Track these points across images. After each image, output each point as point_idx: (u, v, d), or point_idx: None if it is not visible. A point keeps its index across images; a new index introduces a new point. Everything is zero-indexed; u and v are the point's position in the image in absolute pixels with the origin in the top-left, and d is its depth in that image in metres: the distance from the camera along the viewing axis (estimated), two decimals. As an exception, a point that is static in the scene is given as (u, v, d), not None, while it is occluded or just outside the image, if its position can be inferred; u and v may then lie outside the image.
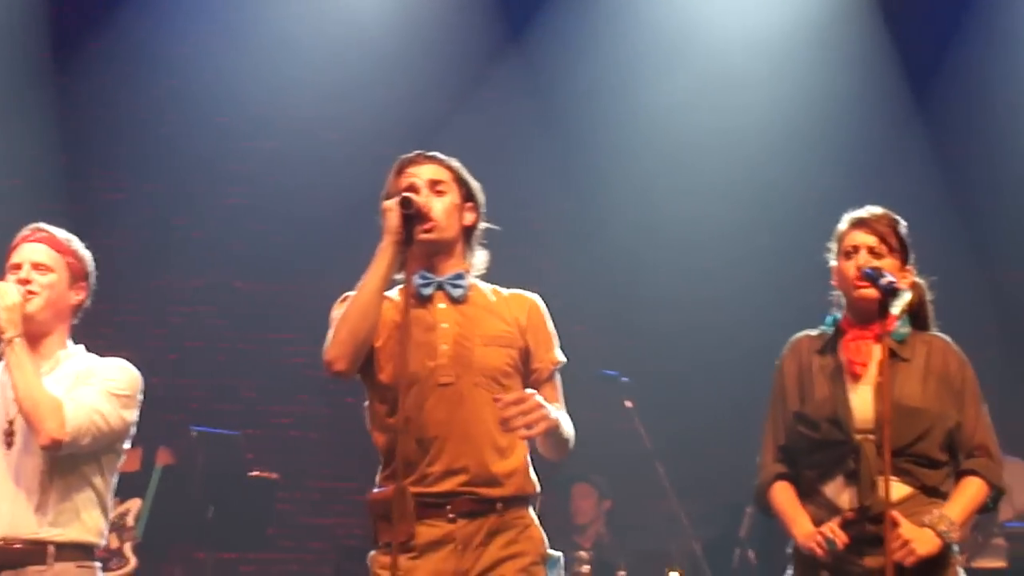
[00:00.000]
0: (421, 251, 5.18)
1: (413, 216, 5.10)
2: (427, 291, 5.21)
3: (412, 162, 5.35)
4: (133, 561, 9.48)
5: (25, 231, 5.74)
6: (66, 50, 11.37)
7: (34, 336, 5.59)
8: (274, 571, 11.28)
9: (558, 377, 5.35)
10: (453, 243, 5.29)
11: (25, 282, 5.59)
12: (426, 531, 5.09)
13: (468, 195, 5.35)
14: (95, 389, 5.55)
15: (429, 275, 5.22)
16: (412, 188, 5.23)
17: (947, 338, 5.77)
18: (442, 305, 5.22)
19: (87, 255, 5.79)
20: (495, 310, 5.26)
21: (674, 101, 11.13)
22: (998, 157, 10.96)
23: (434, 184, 5.27)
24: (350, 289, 5.18)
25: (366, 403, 5.30)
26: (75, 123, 11.41)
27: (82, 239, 5.82)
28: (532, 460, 5.19)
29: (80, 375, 5.60)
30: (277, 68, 11.30)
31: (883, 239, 5.70)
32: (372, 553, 5.21)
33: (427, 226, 5.17)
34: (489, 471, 5.11)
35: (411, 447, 5.10)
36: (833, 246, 5.81)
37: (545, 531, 5.20)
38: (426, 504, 5.09)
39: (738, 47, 11.08)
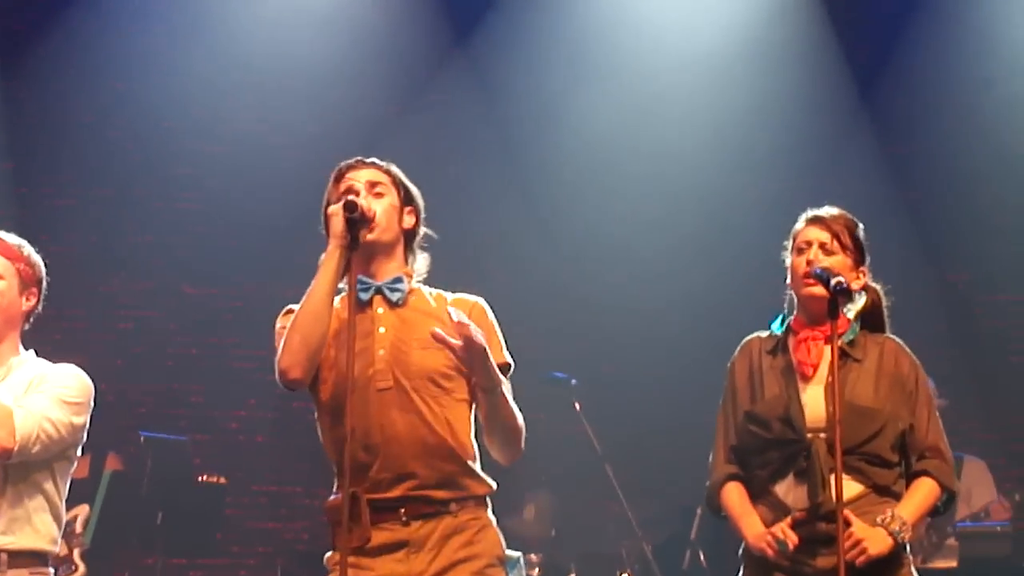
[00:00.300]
0: (362, 255, 5.15)
1: (357, 220, 5.08)
2: (365, 296, 5.19)
3: (350, 167, 5.34)
4: (82, 567, 9.42)
5: None
6: (11, 54, 11.28)
7: None
8: (222, 574, 11.21)
9: (506, 381, 5.26)
10: (393, 246, 5.27)
11: None
12: (380, 534, 5.07)
13: (407, 198, 5.34)
14: (46, 396, 5.47)
15: (367, 280, 5.20)
16: (351, 191, 5.22)
17: (899, 340, 5.76)
18: (380, 310, 5.20)
19: (38, 261, 5.70)
20: (435, 314, 5.22)
21: (619, 104, 11.13)
22: (943, 156, 10.95)
23: (373, 186, 5.26)
24: (298, 293, 5.13)
25: (315, 413, 5.27)
26: (21, 128, 11.37)
27: (30, 244, 5.74)
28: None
29: (32, 382, 5.51)
30: (224, 72, 11.25)
31: (836, 236, 5.69)
32: (328, 554, 5.17)
33: (371, 227, 5.15)
34: (439, 473, 5.09)
35: (359, 454, 5.06)
36: (788, 244, 5.79)
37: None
38: (379, 508, 5.07)
39: (683, 50, 11.08)
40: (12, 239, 5.67)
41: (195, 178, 11.40)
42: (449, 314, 5.03)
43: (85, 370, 5.67)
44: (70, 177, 11.52)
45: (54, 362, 5.66)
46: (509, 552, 5.27)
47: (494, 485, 5.24)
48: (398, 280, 5.24)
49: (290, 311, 5.19)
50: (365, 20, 11.34)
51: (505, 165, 11.46)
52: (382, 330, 5.16)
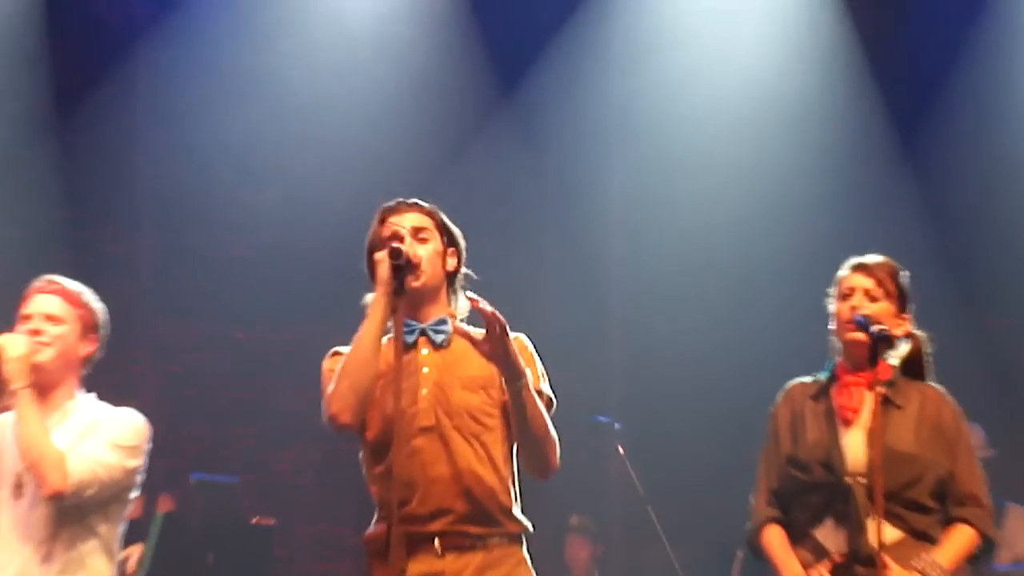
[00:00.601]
0: (407, 299, 5.16)
1: (403, 267, 5.09)
2: (411, 338, 5.20)
3: (394, 211, 5.36)
4: (133, 607, 9.44)
5: (38, 283, 5.72)
6: (67, 105, 11.34)
7: (43, 386, 5.56)
8: (271, 616, 11.23)
9: (546, 412, 5.25)
10: (437, 289, 5.30)
11: (36, 332, 5.57)
12: (416, 567, 5.08)
13: (450, 241, 5.36)
14: (99, 441, 5.53)
15: (412, 323, 5.22)
16: (396, 236, 5.23)
17: (942, 389, 5.77)
18: (425, 351, 5.23)
19: (99, 307, 5.76)
20: (475, 353, 5.18)
21: (663, 155, 11.11)
22: (984, 206, 10.92)
23: (417, 232, 5.27)
24: (345, 338, 5.18)
25: (360, 454, 5.31)
26: (76, 176, 11.39)
27: (92, 298, 5.80)
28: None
29: (86, 427, 5.58)
30: (276, 121, 11.28)
31: (880, 283, 5.71)
32: None
33: (416, 274, 5.18)
34: (476, 509, 5.11)
35: (399, 489, 5.04)
36: (832, 291, 5.81)
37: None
38: (415, 540, 5.08)
39: (727, 104, 11.07)
40: (74, 285, 5.74)
41: (246, 225, 11.42)
42: (473, 299, 5.07)
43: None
44: (124, 224, 11.55)
45: (113, 405, 5.73)
46: None
47: (530, 526, 5.26)
48: (442, 322, 5.27)
49: (336, 353, 5.25)
50: (415, 72, 11.38)
51: (550, 208, 11.48)
52: (426, 370, 5.19)
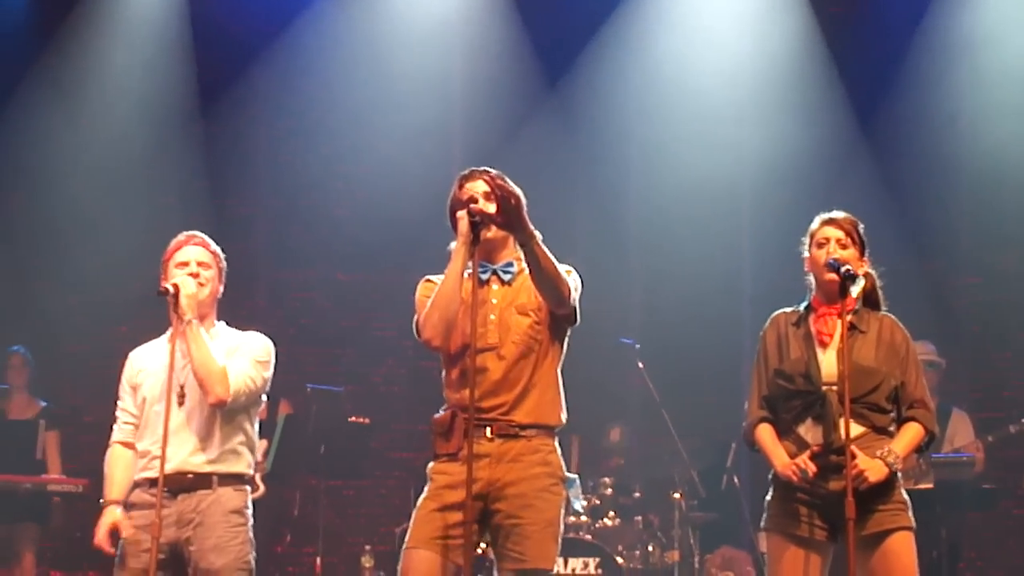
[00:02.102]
0: (483, 247, 5.24)
1: (478, 222, 5.14)
2: (484, 276, 5.32)
3: (468, 177, 5.40)
4: (263, 488, 9.43)
5: (182, 237, 5.80)
6: (208, 100, 11.34)
7: (199, 318, 5.62)
8: (368, 494, 11.28)
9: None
10: (506, 239, 5.34)
11: (195, 275, 5.64)
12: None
13: None
14: (245, 358, 5.64)
15: (487, 264, 5.32)
16: (472, 200, 5.27)
17: (894, 317, 5.79)
18: (495, 287, 5.34)
19: (223, 256, 5.85)
20: (530, 285, 5.29)
21: (680, 137, 11.03)
22: (926, 171, 10.82)
23: (487, 195, 5.27)
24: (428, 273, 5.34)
25: (441, 365, 5.39)
26: (214, 155, 11.40)
27: (221, 244, 5.87)
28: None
29: (231, 348, 5.66)
30: (367, 108, 11.28)
31: (848, 233, 5.72)
32: (430, 464, 5.30)
33: (489, 227, 5.22)
34: (521, 405, 5.20)
35: (465, 392, 5.15)
36: (806, 240, 5.80)
37: (580, 462, 5.24)
38: (472, 426, 5.12)
39: (726, 94, 11.01)
40: (211, 241, 5.83)
41: (345, 190, 11.42)
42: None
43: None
44: (252, 192, 11.58)
45: (243, 330, 5.81)
46: (568, 474, 5.32)
47: (564, 421, 5.33)
48: (509, 264, 5.37)
49: (429, 280, 5.36)
50: (474, 70, 11.33)
51: (583, 176, 11.44)
52: (494, 301, 5.30)
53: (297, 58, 11.31)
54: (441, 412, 5.31)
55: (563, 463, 5.31)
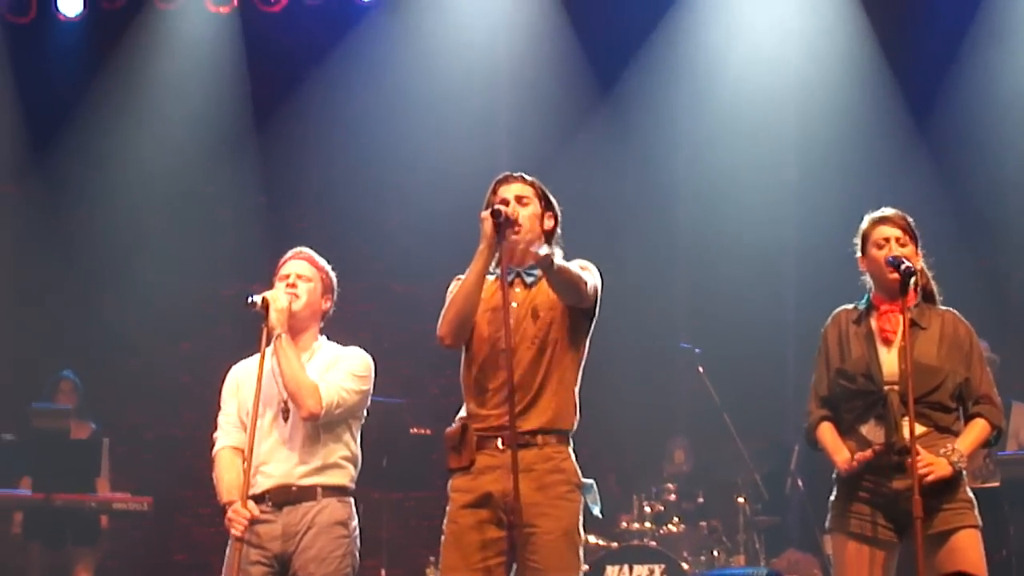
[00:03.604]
0: (509, 249, 5.23)
1: (503, 223, 5.13)
2: (509, 278, 5.28)
3: (503, 181, 5.44)
4: (324, 501, 9.49)
5: (290, 252, 5.90)
6: (264, 116, 11.45)
7: (296, 331, 5.69)
8: (430, 505, 11.20)
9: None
10: (536, 243, 5.29)
11: (292, 286, 5.71)
12: (483, 459, 5.19)
13: (547, 205, 5.42)
14: (341, 371, 5.68)
15: (511, 267, 5.30)
16: (503, 202, 5.29)
17: (956, 312, 5.76)
18: (518, 289, 5.33)
19: (333, 275, 5.96)
20: (548, 289, 5.28)
21: (721, 130, 11.03)
22: (982, 171, 10.76)
23: (520, 199, 5.33)
24: None
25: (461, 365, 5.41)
26: (270, 169, 11.53)
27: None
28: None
29: (329, 362, 5.73)
30: (417, 121, 11.32)
31: (904, 230, 5.71)
32: (450, 482, 5.31)
33: (515, 229, 5.20)
34: (532, 410, 5.18)
35: (479, 396, 5.21)
36: (857, 241, 5.79)
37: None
38: (483, 438, 5.19)
39: (775, 92, 10.97)
40: (318, 256, 5.94)
41: (399, 202, 11.47)
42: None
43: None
44: (305, 205, 11.64)
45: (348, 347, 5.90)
46: (584, 479, 5.29)
47: (575, 424, 5.30)
48: (534, 268, 5.32)
49: (458, 279, 5.34)
50: (528, 78, 11.34)
51: (634, 183, 11.42)
52: (514, 304, 5.26)
53: (348, 72, 11.38)
54: (454, 424, 5.32)
55: (578, 468, 5.28)
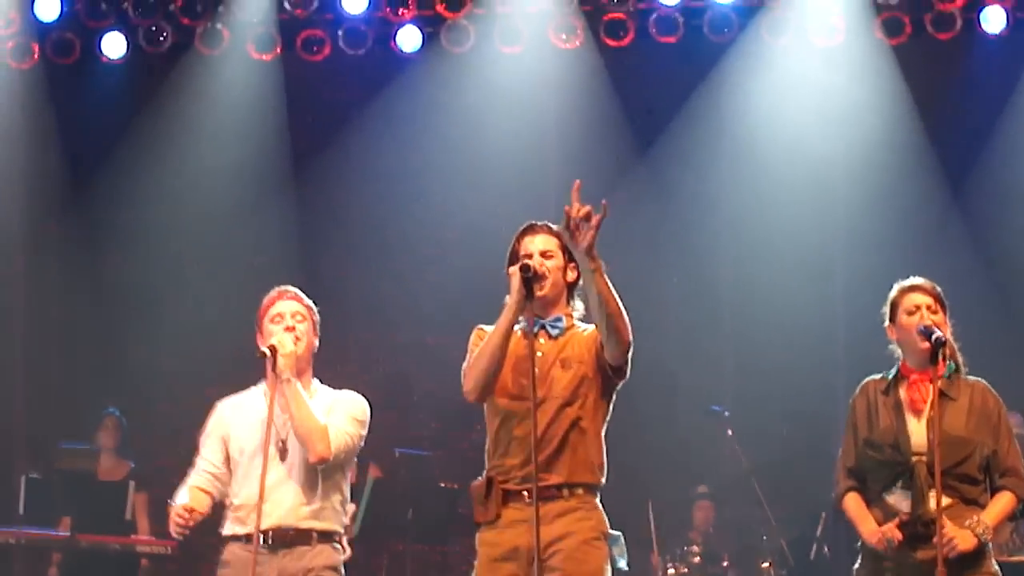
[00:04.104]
0: (535, 303, 5.24)
1: (531, 279, 5.16)
2: (533, 330, 5.25)
3: (527, 231, 5.47)
4: (349, 551, 9.46)
5: (274, 292, 5.83)
6: (301, 164, 11.55)
7: (297, 374, 5.66)
8: (454, 560, 11.26)
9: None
10: (559, 295, 5.36)
11: (292, 329, 5.68)
12: (509, 512, 5.19)
13: (571, 258, 5.38)
14: (344, 416, 5.70)
15: (536, 318, 5.28)
16: (528, 256, 5.32)
17: (986, 383, 5.77)
18: (542, 340, 5.30)
19: (316, 310, 5.88)
20: (578, 340, 5.31)
21: (762, 196, 11.05)
22: (1017, 234, 10.76)
23: (544, 253, 5.35)
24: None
25: (485, 417, 5.42)
26: (306, 218, 11.57)
27: (314, 305, 5.90)
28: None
29: (329, 406, 5.71)
30: (455, 175, 11.36)
31: (935, 299, 5.73)
32: (477, 535, 5.31)
33: (541, 284, 5.23)
34: (557, 464, 5.17)
35: (505, 449, 5.22)
36: (886, 310, 5.81)
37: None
38: (508, 491, 5.19)
39: (814, 157, 10.97)
40: (303, 294, 5.87)
41: (439, 256, 11.52)
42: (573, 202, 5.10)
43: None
44: (344, 255, 11.68)
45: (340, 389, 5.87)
46: (612, 531, 5.28)
47: (603, 480, 5.30)
48: (558, 319, 5.36)
49: (481, 329, 5.42)
50: (564, 136, 11.38)
51: (675, 244, 11.43)
52: (539, 355, 5.24)
53: (389, 122, 11.44)
54: (481, 478, 5.33)
55: (606, 520, 5.28)
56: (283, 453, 5.61)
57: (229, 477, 5.73)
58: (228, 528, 5.70)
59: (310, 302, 5.86)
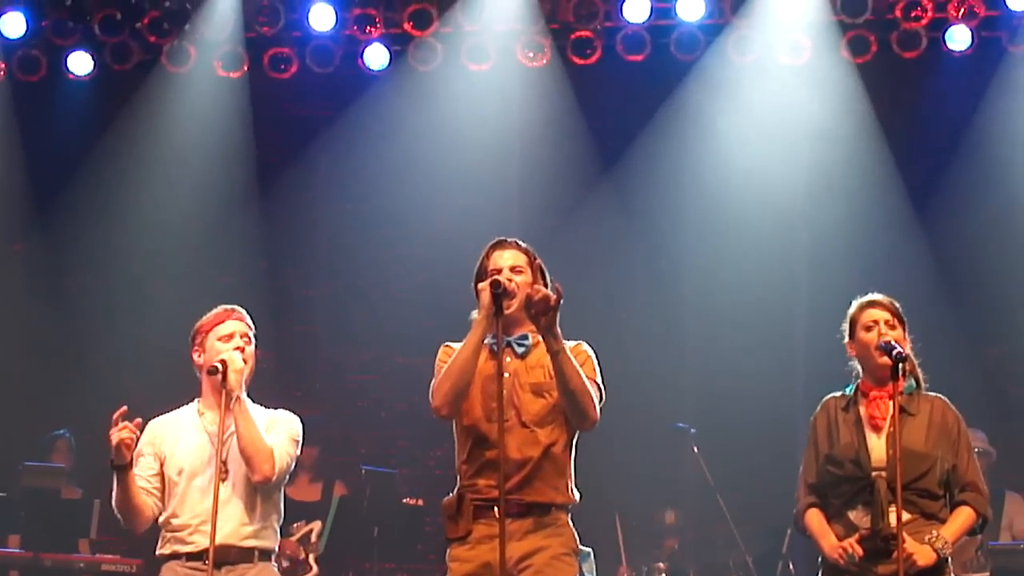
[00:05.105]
0: (504, 320, 5.24)
1: (501, 294, 5.17)
2: (497, 349, 5.25)
3: (497, 247, 5.51)
4: (315, 569, 9.55)
5: (220, 310, 5.84)
6: (266, 180, 11.56)
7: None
8: (422, 577, 11.29)
9: (596, 396, 5.34)
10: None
11: (241, 349, 5.69)
12: (480, 528, 5.21)
13: (540, 275, 5.44)
14: (283, 435, 5.70)
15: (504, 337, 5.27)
16: (498, 271, 5.34)
17: (945, 399, 5.84)
18: (508, 359, 5.31)
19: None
20: (545, 363, 5.29)
21: (726, 215, 11.10)
22: (981, 259, 10.85)
23: (514, 268, 5.37)
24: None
25: (454, 434, 5.43)
26: (273, 235, 11.58)
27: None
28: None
29: (266, 424, 5.71)
30: (421, 191, 11.36)
31: (893, 314, 5.79)
32: (448, 551, 5.32)
33: (510, 302, 5.25)
34: (529, 486, 5.20)
35: (474, 467, 5.24)
36: (846, 327, 5.87)
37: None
38: (479, 507, 5.21)
39: (777, 176, 11.02)
40: (247, 317, 5.86)
41: (401, 273, 11.51)
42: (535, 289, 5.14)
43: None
44: (310, 273, 11.70)
45: (295, 411, 5.89)
46: (581, 547, 5.31)
47: (576, 499, 5.33)
48: (524, 337, 5.37)
49: (448, 346, 5.43)
50: (531, 153, 11.43)
51: (639, 262, 11.46)
52: (506, 375, 5.26)
53: (356, 140, 11.45)
54: (451, 495, 5.35)
55: (576, 536, 5.31)
56: (224, 473, 5.59)
57: (162, 495, 5.72)
58: (167, 548, 5.69)
59: (251, 324, 5.85)
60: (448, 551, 5.33)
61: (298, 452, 5.76)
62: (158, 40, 11.07)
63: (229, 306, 5.84)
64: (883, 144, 10.92)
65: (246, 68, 11.20)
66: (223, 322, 5.76)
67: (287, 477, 5.74)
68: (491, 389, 5.20)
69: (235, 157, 11.39)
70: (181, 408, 5.86)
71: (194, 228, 11.34)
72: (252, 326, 5.82)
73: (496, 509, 5.11)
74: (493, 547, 5.10)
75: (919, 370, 5.85)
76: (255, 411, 5.72)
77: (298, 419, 5.83)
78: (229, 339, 5.71)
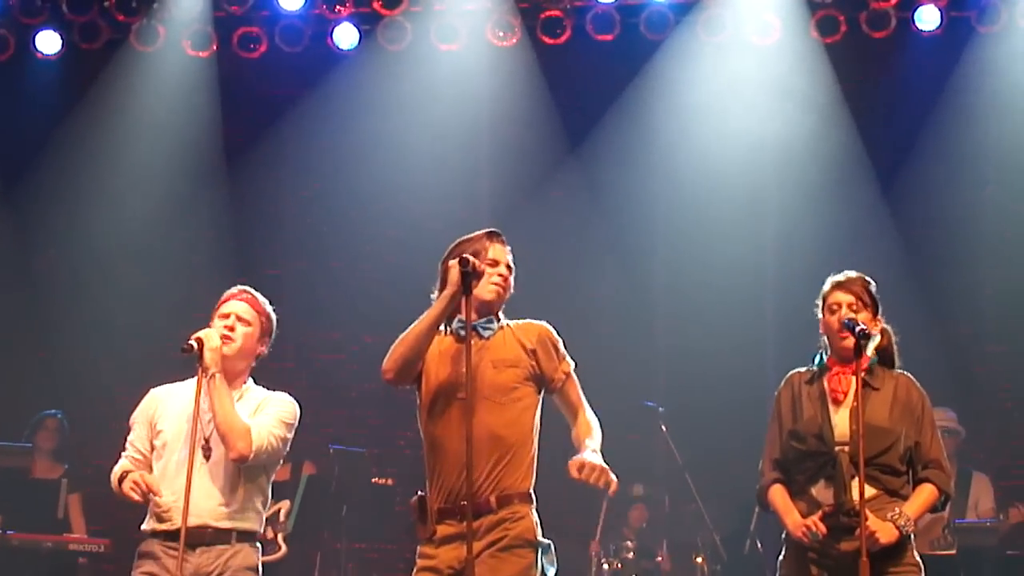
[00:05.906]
0: (471, 302, 5.25)
1: (469, 273, 5.17)
2: (463, 332, 5.26)
3: (496, 239, 5.49)
4: (284, 548, 9.58)
5: (233, 290, 5.91)
6: (234, 160, 11.56)
7: (227, 373, 5.69)
8: (392, 557, 11.30)
9: (575, 377, 5.44)
10: (501, 306, 5.43)
11: (230, 329, 5.73)
12: (443, 529, 5.23)
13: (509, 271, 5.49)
14: (270, 416, 5.71)
15: (465, 320, 5.27)
16: (495, 264, 5.38)
17: (910, 375, 5.85)
18: (473, 341, 5.25)
19: (274, 318, 5.94)
20: (509, 340, 5.34)
21: (695, 194, 11.14)
22: (947, 236, 10.94)
23: (508, 266, 5.43)
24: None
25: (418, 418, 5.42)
26: (242, 215, 11.60)
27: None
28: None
29: (258, 406, 5.75)
30: (390, 172, 11.41)
31: (859, 297, 5.78)
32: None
33: (477, 281, 5.27)
34: (487, 485, 5.20)
35: (436, 473, 5.26)
36: (819, 303, 5.87)
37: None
38: (441, 509, 5.23)
39: (745, 155, 11.07)
40: (261, 297, 5.93)
41: (374, 253, 11.55)
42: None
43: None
44: (279, 253, 11.71)
45: (274, 391, 5.90)
46: (540, 539, 5.28)
47: (531, 483, 5.31)
48: (489, 320, 5.38)
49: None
50: (499, 133, 11.46)
51: (607, 241, 11.49)
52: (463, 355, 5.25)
53: (325, 119, 11.47)
54: (417, 494, 5.35)
55: (537, 527, 5.28)
56: (207, 452, 5.63)
57: (151, 466, 5.75)
58: (148, 523, 5.72)
59: (266, 307, 5.91)
60: (418, 548, 5.34)
61: (289, 435, 5.76)
62: (127, 19, 11.07)
63: (243, 287, 5.92)
64: (852, 123, 10.97)
65: (215, 47, 11.21)
66: (227, 301, 5.83)
67: (276, 459, 5.76)
68: (454, 370, 5.24)
69: (204, 137, 11.41)
70: (185, 380, 5.87)
71: (162, 207, 11.35)
72: (263, 311, 5.87)
73: (459, 512, 5.17)
74: (452, 547, 5.17)
75: (895, 347, 5.86)
76: (252, 392, 5.79)
77: (294, 402, 5.85)
78: (225, 318, 5.77)
